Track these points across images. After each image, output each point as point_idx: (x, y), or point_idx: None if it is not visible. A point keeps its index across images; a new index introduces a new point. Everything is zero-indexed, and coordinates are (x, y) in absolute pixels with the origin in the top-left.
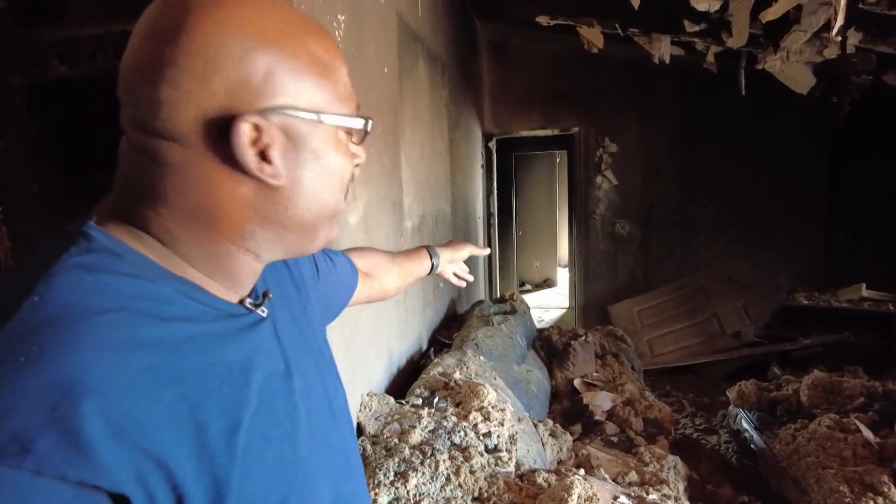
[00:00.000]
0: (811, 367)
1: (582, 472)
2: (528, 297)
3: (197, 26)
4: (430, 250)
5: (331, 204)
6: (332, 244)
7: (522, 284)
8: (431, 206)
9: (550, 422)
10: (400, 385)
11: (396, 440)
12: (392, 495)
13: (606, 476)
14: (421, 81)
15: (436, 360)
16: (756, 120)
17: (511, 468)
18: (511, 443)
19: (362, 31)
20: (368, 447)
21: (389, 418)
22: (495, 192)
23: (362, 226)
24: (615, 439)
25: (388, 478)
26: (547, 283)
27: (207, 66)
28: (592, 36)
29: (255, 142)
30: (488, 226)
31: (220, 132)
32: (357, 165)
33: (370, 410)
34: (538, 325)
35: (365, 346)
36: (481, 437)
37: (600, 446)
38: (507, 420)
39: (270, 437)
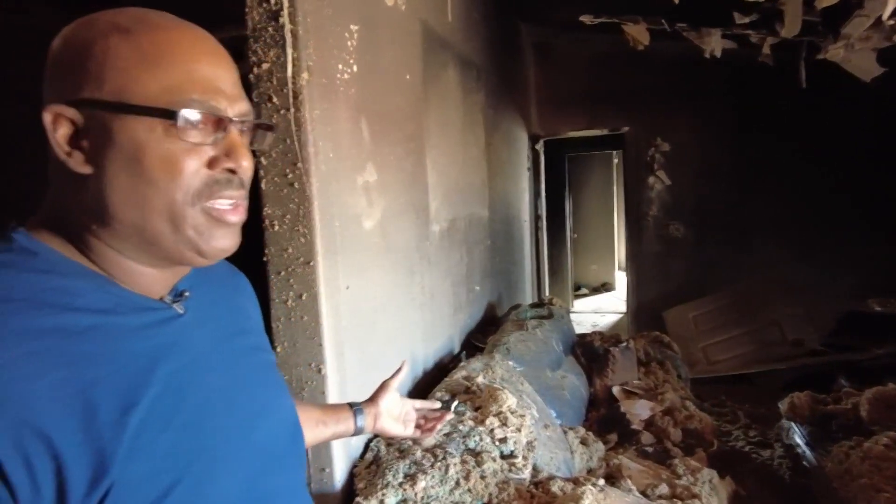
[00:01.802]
0: (887, 379)
1: (601, 482)
2: (584, 302)
3: (59, 37)
4: (356, 409)
5: (155, 204)
6: (220, 254)
7: (578, 288)
8: (463, 210)
9: (582, 429)
10: (426, 388)
11: (410, 442)
12: (399, 496)
13: (633, 487)
14: (450, 87)
15: (462, 364)
16: (817, 114)
17: (525, 475)
18: (528, 449)
19: (378, 41)
20: (383, 448)
21: None
22: (543, 194)
23: (380, 230)
24: (650, 450)
25: (397, 479)
26: (605, 286)
27: (48, 69)
28: (638, 33)
29: (70, 136)
30: (536, 228)
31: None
32: (230, 171)
33: None
34: (592, 330)
35: (382, 348)
36: (497, 443)
37: (633, 456)
38: (526, 426)
39: (171, 422)
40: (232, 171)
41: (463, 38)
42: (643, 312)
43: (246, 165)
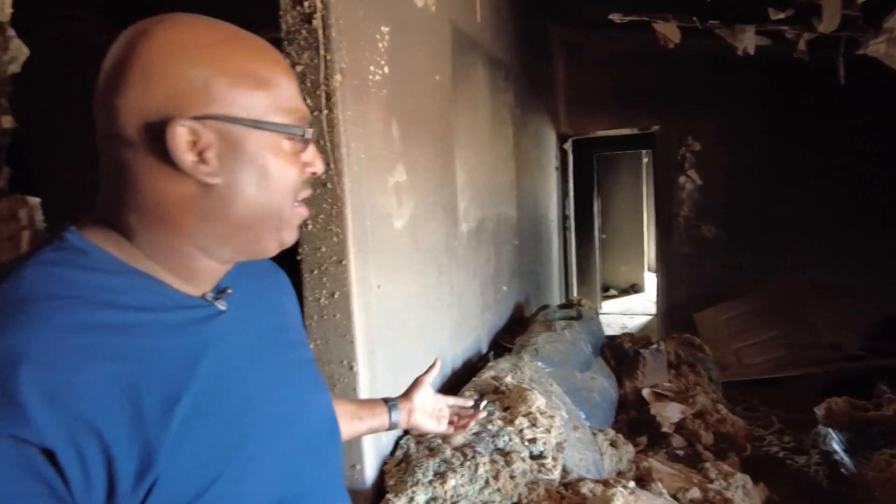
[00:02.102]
0: None
1: (631, 484)
2: (613, 303)
3: (143, 46)
4: (391, 404)
5: (272, 206)
6: (289, 245)
7: (607, 290)
8: (492, 210)
9: (612, 432)
10: (454, 387)
11: (439, 441)
12: (429, 494)
13: (664, 491)
14: (479, 87)
15: (490, 364)
16: (854, 112)
17: (555, 476)
18: (558, 450)
19: (409, 42)
20: (412, 446)
21: None
22: (571, 193)
23: (409, 230)
24: (681, 453)
25: (427, 477)
26: (634, 288)
27: (149, 79)
28: (668, 31)
29: (193, 144)
30: (564, 229)
31: (158, 135)
32: (313, 174)
33: None
34: (622, 332)
35: (412, 346)
36: (526, 443)
37: (664, 459)
38: (556, 427)
39: (212, 417)
40: (312, 173)
41: (491, 38)
42: (673, 314)
43: (323, 168)
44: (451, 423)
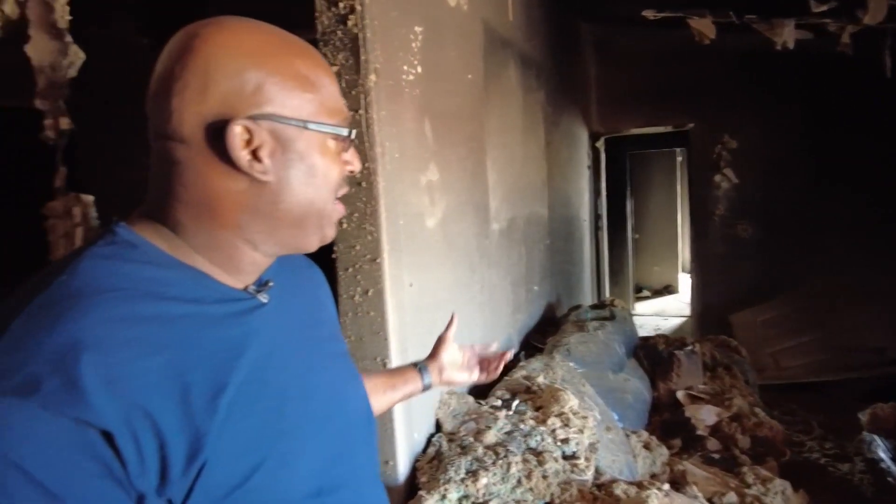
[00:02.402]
0: None
1: (666, 486)
2: (646, 305)
3: (199, 48)
4: (420, 368)
5: (317, 202)
6: (327, 241)
7: (640, 290)
8: (523, 209)
9: (645, 433)
10: (485, 386)
11: (472, 439)
12: (461, 492)
13: (699, 494)
14: (511, 86)
15: (522, 364)
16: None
17: (588, 476)
18: (590, 451)
19: (441, 41)
20: (444, 443)
21: (467, 417)
22: (604, 193)
23: (441, 229)
24: (717, 456)
25: (459, 475)
26: (668, 289)
27: (207, 80)
28: (704, 27)
29: (247, 143)
30: (596, 228)
31: (216, 134)
32: (351, 172)
33: (449, 408)
34: (655, 333)
35: None
36: (559, 443)
37: (698, 462)
38: (589, 428)
39: (256, 406)
40: (350, 171)
41: (523, 37)
42: (708, 316)
43: (360, 166)
44: (481, 370)
